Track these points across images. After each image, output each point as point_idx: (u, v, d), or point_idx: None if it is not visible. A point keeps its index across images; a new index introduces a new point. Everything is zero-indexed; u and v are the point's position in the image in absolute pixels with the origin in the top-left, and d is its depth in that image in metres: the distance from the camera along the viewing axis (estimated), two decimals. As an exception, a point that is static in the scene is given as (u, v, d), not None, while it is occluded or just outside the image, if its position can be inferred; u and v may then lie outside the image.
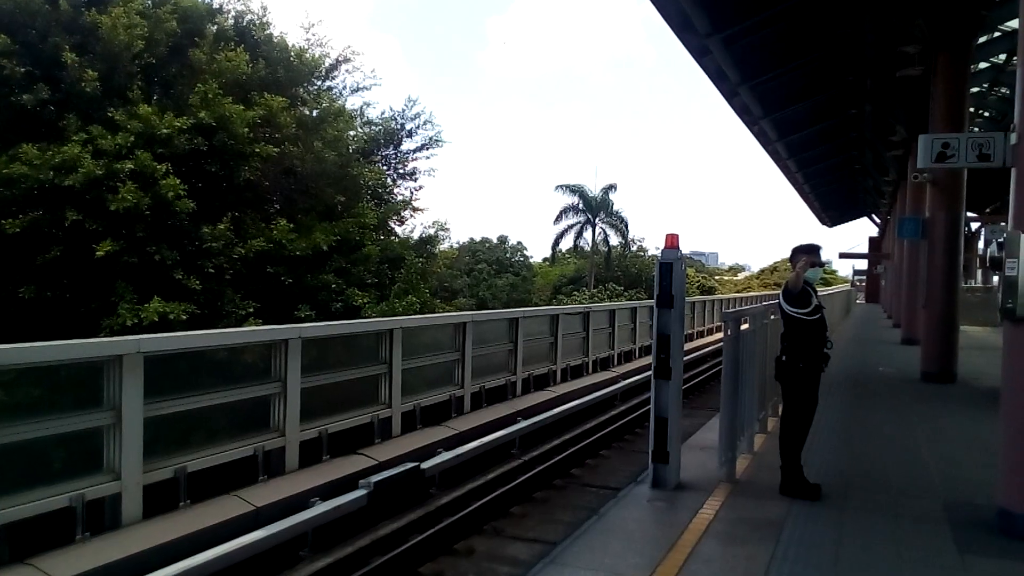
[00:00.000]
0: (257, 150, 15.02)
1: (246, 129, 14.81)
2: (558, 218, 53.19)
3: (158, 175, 13.47)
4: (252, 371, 7.34)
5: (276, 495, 6.60)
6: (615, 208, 53.46)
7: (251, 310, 14.54)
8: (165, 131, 13.79)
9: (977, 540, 4.92)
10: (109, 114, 13.92)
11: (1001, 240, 5.03)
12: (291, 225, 15.51)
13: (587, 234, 53.49)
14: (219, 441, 6.75)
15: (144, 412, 5.89)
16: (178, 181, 13.61)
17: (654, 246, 59.56)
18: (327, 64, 19.84)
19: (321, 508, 6.35)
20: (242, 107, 14.96)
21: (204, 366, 6.90)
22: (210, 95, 14.64)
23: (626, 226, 53.92)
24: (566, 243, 55.53)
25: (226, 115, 14.59)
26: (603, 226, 53.42)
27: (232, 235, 14.66)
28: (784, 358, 5.97)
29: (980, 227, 35.79)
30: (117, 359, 5.74)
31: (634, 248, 56.70)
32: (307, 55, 18.89)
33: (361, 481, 6.94)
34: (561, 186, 53.30)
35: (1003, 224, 6.29)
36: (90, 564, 5.08)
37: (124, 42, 14.30)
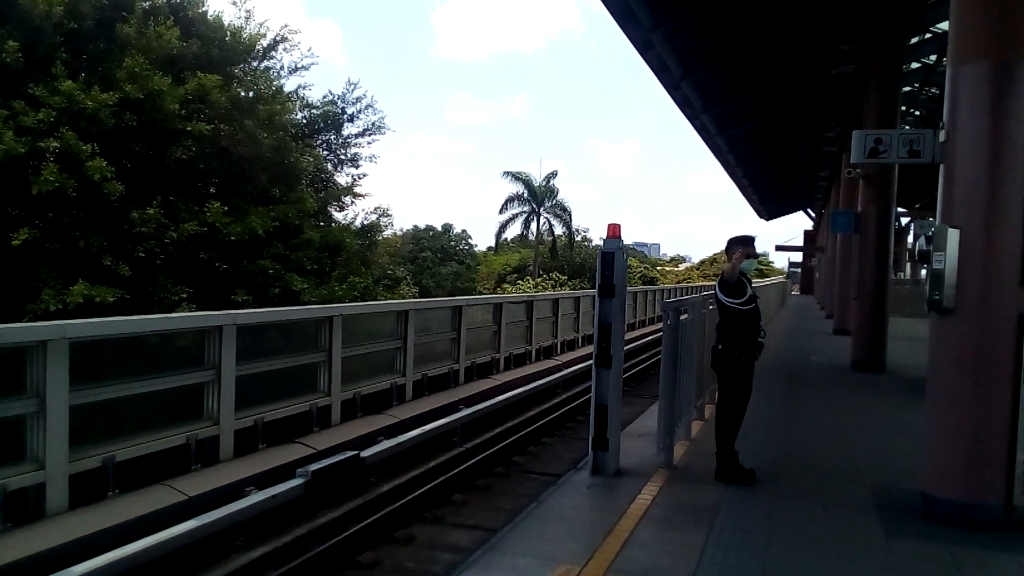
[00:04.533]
0: (188, 128, 14.50)
1: (176, 106, 14.27)
2: (503, 207, 53.32)
3: (83, 156, 12.87)
4: (185, 358, 7.13)
5: (209, 484, 6.44)
6: (559, 198, 53.94)
7: (184, 296, 14.10)
8: (90, 105, 13.16)
9: (902, 524, 5.10)
10: (30, 90, 13.26)
11: (930, 234, 5.20)
12: (225, 208, 15.03)
13: (533, 224, 53.77)
14: (150, 430, 6.54)
15: (70, 400, 5.67)
16: (105, 163, 13.03)
17: (598, 236, 60.10)
18: (264, 44, 19.28)
19: (257, 497, 6.21)
20: (170, 81, 14.36)
21: (134, 352, 6.67)
22: (136, 69, 14.03)
23: (570, 216, 54.45)
24: (512, 232, 55.72)
25: (155, 90, 14.02)
26: (547, 216, 53.77)
27: (163, 219, 14.16)
28: (720, 347, 6.09)
29: (910, 222, 37.21)
30: (41, 344, 5.51)
31: (578, 238, 57.11)
32: (243, 34, 18.32)
33: (299, 470, 6.81)
34: (507, 173, 53.49)
35: (931, 219, 6.52)
36: (12, 556, 4.88)
37: (44, 10, 13.65)
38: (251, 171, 16.28)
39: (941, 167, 5.24)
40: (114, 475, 6.03)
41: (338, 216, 20.62)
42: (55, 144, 12.78)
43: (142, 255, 13.68)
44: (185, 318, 8.14)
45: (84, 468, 5.85)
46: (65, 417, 5.63)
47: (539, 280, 48.36)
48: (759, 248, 6.17)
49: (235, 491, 6.38)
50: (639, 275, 62.15)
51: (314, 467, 6.82)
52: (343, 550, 6.09)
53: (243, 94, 17.20)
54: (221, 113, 15.58)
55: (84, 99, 13.20)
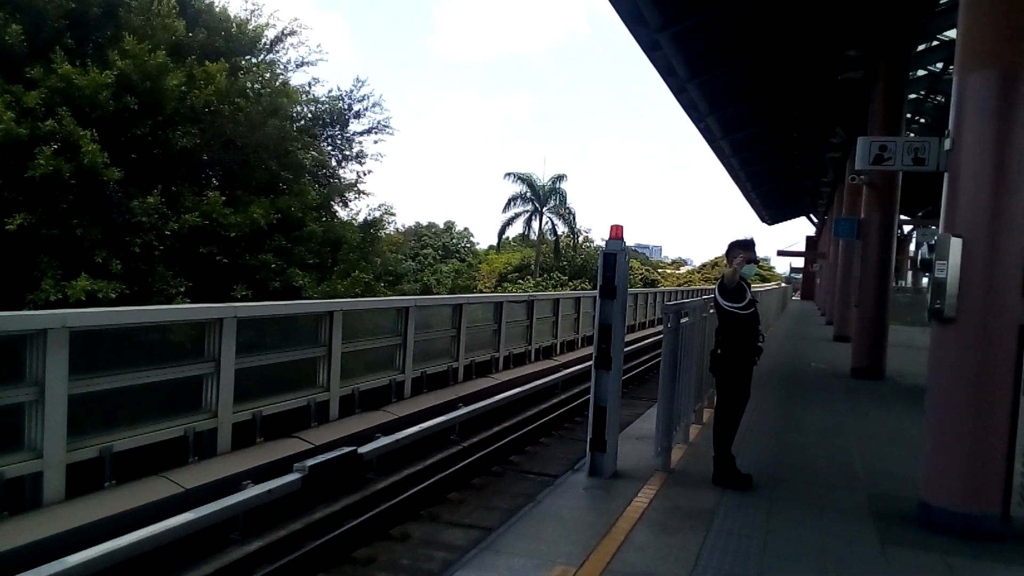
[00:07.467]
0: (190, 103, 14.31)
1: (177, 82, 14.13)
2: (506, 206, 53.21)
3: (81, 141, 12.75)
4: (184, 350, 7.14)
5: (206, 477, 6.45)
6: (563, 198, 53.74)
7: (183, 289, 14.04)
8: (86, 85, 13.01)
9: (898, 532, 5.10)
10: (28, 74, 13.16)
11: (932, 243, 5.19)
12: (223, 197, 14.91)
13: (535, 223, 53.69)
14: (148, 421, 6.55)
15: (69, 389, 5.69)
16: (97, 146, 12.88)
17: (600, 237, 60.20)
18: (271, 36, 19.20)
19: (253, 491, 6.23)
20: (167, 58, 14.19)
21: (134, 343, 6.67)
22: (127, 47, 13.89)
23: (573, 216, 54.29)
24: (514, 231, 55.67)
25: (153, 66, 13.83)
26: (550, 216, 53.68)
27: (165, 208, 14.07)
28: (719, 351, 6.08)
29: (912, 230, 37.12)
30: (41, 333, 5.51)
31: (580, 239, 57.05)
32: (249, 26, 18.25)
33: (296, 464, 6.82)
34: (510, 174, 53.28)
35: (934, 227, 6.50)
36: (8, 544, 4.89)
37: None
38: (255, 159, 16.17)
39: (945, 175, 5.23)
40: (111, 466, 6.04)
41: (341, 213, 20.59)
42: (50, 124, 12.63)
43: (137, 249, 13.51)
44: (186, 310, 8.14)
45: (81, 458, 5.86)
46: (64, 406, 5.64)
47: (540, 280, 48.36)
48: (760, 252, 6.14)
49: (232, 484, 6.40)
50: (640, 277, 62.17)
51: (311, 462, 6.83)
52: (338, 546, 6.09)
53: (248, 84, 17.10)
54: (224, 100, 15.41)
55: (80, 80, 13.06)
